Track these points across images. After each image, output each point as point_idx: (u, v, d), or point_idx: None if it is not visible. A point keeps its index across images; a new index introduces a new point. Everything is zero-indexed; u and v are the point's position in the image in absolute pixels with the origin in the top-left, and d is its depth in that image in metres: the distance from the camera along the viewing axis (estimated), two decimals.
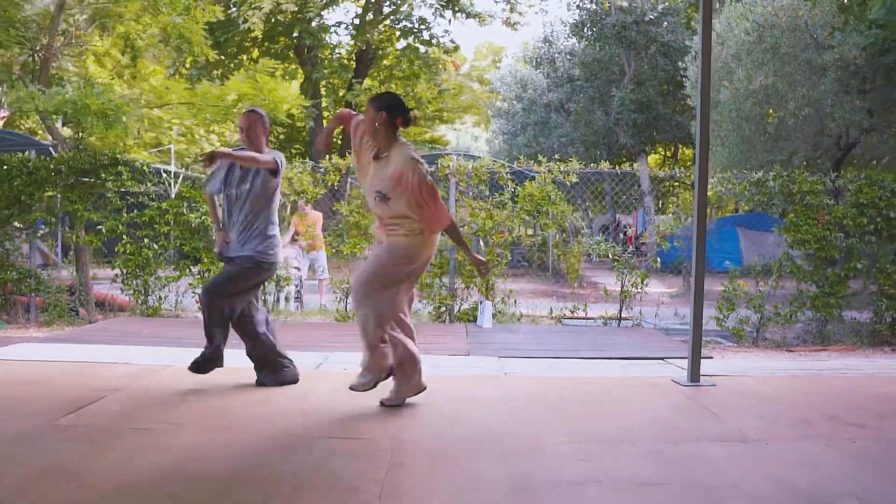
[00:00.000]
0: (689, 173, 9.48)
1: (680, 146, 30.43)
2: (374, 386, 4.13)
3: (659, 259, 8.75)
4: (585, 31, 22.55)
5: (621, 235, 23.56)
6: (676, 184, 29.04)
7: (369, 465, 3.29)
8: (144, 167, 8.71)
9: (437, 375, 5.22)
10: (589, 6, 22.41)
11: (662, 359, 6.29)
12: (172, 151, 13.54)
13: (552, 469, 3.30)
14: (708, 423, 4.08)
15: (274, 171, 4.53)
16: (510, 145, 26.52)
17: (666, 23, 21.54)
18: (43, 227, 9.17)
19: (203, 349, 4.62)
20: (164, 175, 8.79)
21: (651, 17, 21.40)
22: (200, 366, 4.57)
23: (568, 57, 25.99)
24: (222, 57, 16.70)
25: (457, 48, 18.88)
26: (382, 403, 4.22)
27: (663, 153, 33.66)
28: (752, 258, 12.39)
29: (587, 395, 4.72)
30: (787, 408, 4.45)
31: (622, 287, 8.61)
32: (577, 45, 25.06)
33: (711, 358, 6.46)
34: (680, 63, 16.74)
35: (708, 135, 5.13)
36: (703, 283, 5.18)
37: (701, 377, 5.14)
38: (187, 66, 15.85)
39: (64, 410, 4.00)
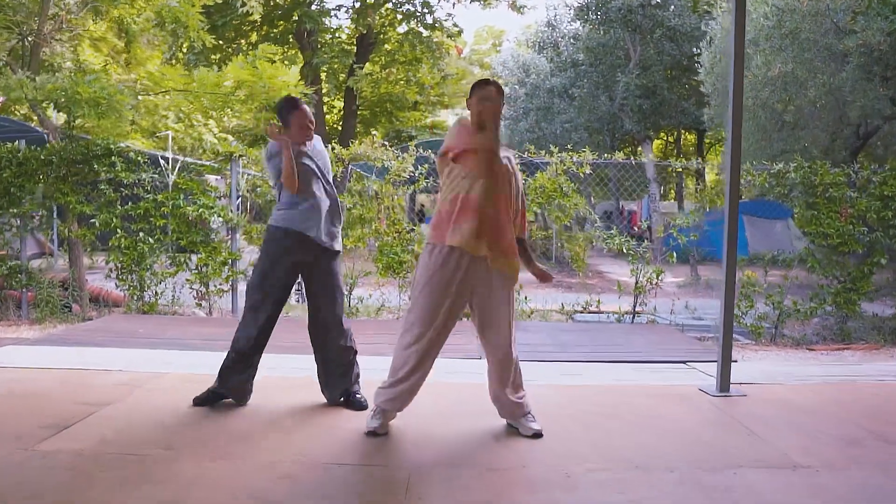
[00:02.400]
0: (703, 163, 9.12)
1: (683, 132, 30.05)
2: None
3: (675, 253, 8.42)
4: (590, 14, 22.09)
5: (625, 223, 23.24)
6: (684, 171, 28.75)
7: (384, 496, 2.98)
8: (139, 157, 8.36)
9: (451, 383, 4.93)
10: None
11: (685, 362, 5.98)
12: (170, 138, 13.22)
13: (586, 502, 2.99)
14: (747, 444, 3.76)
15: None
16: (512, 131, 26.11)
17: (672, 6, 21.08)
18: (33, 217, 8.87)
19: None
20: (162, 162, 8.46)
21: (657, 0, 20.94)
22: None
23: (572, 41, 25.57)
24: (220, 42, 16.26)
25: (460, 32, 18.41)
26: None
27: (664, 139, 33.27)
28: (758, 246, 12.01)
29: (612, 408, 4.41)
30: (829, 423, 4.13)
31: (636, 282, 8.29)
32: (581, 28, 24.63)
33: (736, 361, 6.12)
34: (691, 48, 16.26)
35: (740, 124, 4.78)
36: (735, 285, 4.87)
37: (730, 385, 4.84)
38: (184, 51, 15.42)
39: (49, 431, 3.68)
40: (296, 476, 3.20)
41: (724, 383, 4.81)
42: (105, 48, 13.57)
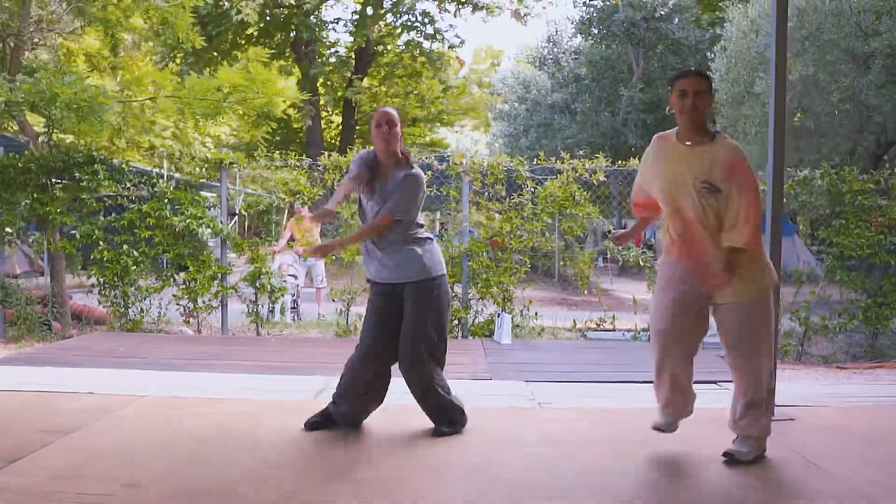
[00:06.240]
0: None
1: None
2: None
3: None
4: (592, 28, 21.86)
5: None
6: None
7: None
8: (124, 166, 7.86)
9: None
10: (596, 3, 21.68)
11: (715, 382, 5.45)
12: (165, 155, 12.72)
13: None
14: (812, 478, 3.22)
15: None
16: (512, 148, 25.76)
17: (677, 19, 20.81)
18: (34, 231, 8.38)
19: None
20: (157, 179, 7.95)
21: (661, 13, 20.63)
22: None
23: (573, 57, 25.32)
24: (215, 53, 15.85)
25: (462, 43, 17.97)
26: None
27: None
28: None
29: (646, 434, 3.86)
30: None
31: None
32: (583, 43, 24.38)
33: None
34: (696, 61, 15.81)
35: (783, 132, 4.28)
36: (779, 296, 4.34)
37: (775, 409, 4.31)
38: (177, 61, 15.01)
39: None
40: None
41: None
42: (95, 61, 13.16)
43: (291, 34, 17.23)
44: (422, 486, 3.06)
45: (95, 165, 7.65)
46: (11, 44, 8.19)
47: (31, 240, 8.71)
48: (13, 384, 4.82)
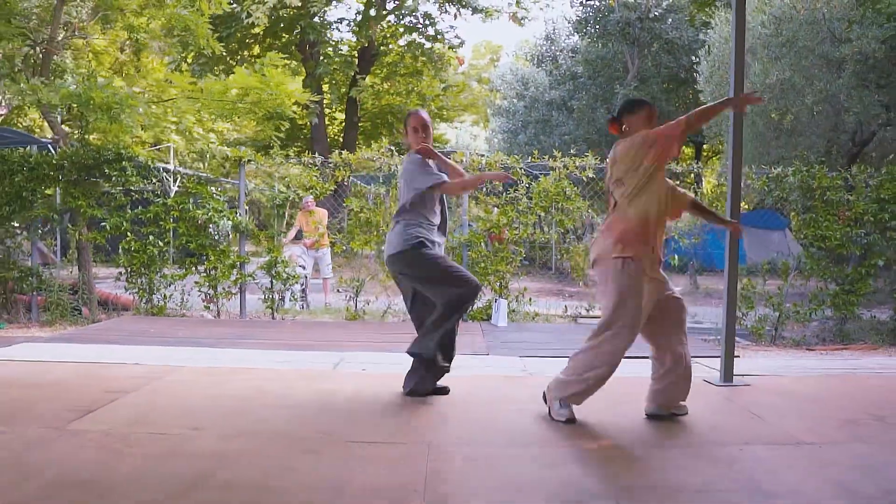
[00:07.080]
0: (701, 167, 9.26)
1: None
2: None
3: (676, 256, 8.57)
4: (588, 28, 22.40)
5: None
6: (683, 175, 28.87)
7: (406, 472, 3.09)
8: (149, 163, 8.49)
9: (462, 376, 5.03)
10: (593, 3, 22.27)
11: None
12: (172, 150, 13.34)
13: (600, 475, 3.11)
14: (753, 425, 3.89)
15: None
16: (510, 144, 26.32)
17: (670, 19, 21.42)
18: (41, 225, 8.97)
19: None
20: (164, 174, 8.57)
21: (655, 13, 21.25)
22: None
23: (570, 55, 25.83)
24: (223, 53, 16.45)
25: (462, 43, 18.62)
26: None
27: None
28: (755, 257, 12.13)
29: (620, 396, 4.52)
30: (831, 408, 4.26)
31: None
32: (579, 42, 24.94)
33: (738, 357, 6.25)
34: (689, 60, 16.46)
35: (741, 131, 4.92)
36: (737, 281, 5.00)
37: (734, 377, 4.97)
38: (189, 61, 15.60)
39: (75, 414, 3.80)
40: (319, 451, 3.31)
41: (727, 374, 4.94)
42: (108, 61, 13.79)
43: (296, 34, 17.82)
44: (430, 431, 3.71)
45: (123, 163, 8.27)
46: (43, 49, 8.81)
47: (40, 233, 9.28)
48: (63, 357, 5.48)
